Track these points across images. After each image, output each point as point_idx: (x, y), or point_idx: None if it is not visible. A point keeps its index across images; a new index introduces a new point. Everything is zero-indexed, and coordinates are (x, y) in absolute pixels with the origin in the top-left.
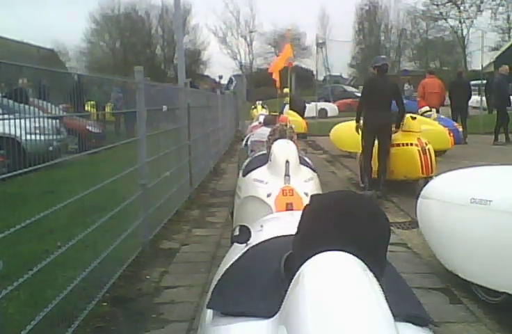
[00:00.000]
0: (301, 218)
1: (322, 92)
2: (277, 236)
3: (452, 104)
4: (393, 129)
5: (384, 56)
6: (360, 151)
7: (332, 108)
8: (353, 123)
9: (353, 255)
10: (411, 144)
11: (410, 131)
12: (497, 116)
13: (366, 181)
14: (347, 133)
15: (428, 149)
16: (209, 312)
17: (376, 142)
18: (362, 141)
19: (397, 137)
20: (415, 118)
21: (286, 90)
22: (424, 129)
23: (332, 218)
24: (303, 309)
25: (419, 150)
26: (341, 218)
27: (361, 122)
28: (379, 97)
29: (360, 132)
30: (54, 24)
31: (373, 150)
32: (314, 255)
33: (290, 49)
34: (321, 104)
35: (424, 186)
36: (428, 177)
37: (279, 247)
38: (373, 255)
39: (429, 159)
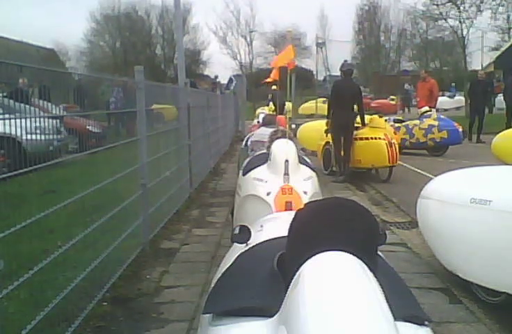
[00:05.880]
0: (294, 221)
1: (322, 92)
2: (266, 240)
3: (471, 105)
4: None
5: (349, 62)
6: (320, 148)
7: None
8: (315, 123)
9: (348, 252)
10: (379, 138)
11: (377, 127)
12: (506, 116)
13: (335, 169)
14: (308, 133)
15: (393, 143)
16: (207, 316)
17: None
18: (332, 136)
19: (366, 132)
20: (382, 117)
21: (274, 87)
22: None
23: (325, 220)
24: (303, 310)
25: (386, 143)
26: (333, 220)
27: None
28: (343, 98)
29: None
30: (54, 23)
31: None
32: (314, 254)
33: (291, 50)
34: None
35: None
36: (392, 166)
37: (270, 249)
38: (364, 251)
39: (394, 151)
